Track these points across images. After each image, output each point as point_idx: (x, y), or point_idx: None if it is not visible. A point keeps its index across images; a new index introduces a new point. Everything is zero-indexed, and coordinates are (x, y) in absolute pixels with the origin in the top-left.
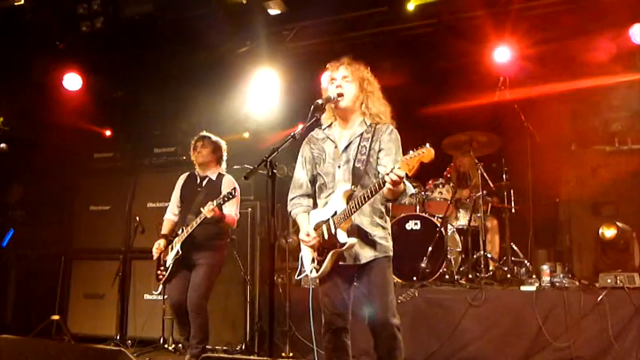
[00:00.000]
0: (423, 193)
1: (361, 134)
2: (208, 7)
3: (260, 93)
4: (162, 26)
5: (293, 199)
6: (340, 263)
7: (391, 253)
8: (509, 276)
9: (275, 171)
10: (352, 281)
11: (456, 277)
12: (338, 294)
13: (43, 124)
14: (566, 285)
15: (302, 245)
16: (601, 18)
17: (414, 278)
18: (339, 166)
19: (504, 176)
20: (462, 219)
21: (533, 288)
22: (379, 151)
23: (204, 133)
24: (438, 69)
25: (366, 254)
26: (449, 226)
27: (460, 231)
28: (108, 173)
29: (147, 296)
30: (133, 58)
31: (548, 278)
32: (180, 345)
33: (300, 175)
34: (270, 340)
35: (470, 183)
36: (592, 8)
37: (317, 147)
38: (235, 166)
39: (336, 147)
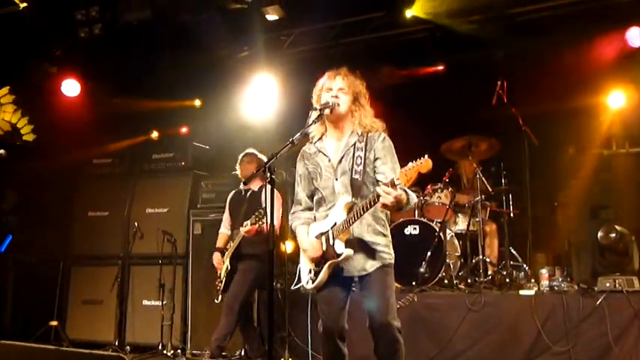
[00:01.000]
0: (421, 197)
1: (354, 144)
2: (206, 13)
3: (258, 98)
4: (160, 32)
5: (294, 213)
6: (344, 274)
7: (393, 261)
8: (508, 280)
9: (274, 177)
10: (350, 289)
11: (454, 281)
12: (336, 301)
13: (41, 129)
14: (565, 289)
15: (301, 256)
16: (597, 21)
17: (413, 283)
18: (336, 179)
19: (503, 180)
20: (461, 223)
21: (532, 292)
22: (375, 159)
23: (250, 150)
24: (436, 73)
25: (368, 265)
26: (447, 231)
27: (459, 236)
28: (106, 179)
29: (145, 302)
30: (132, 64)
31: (546, 282)
32: (178, 351)
33: (298, 191)
34: (270, 345)
35: (468, 187)
36: (588, 11)
37: (311, 162)
38: (234, 172)
39: (329, 160)
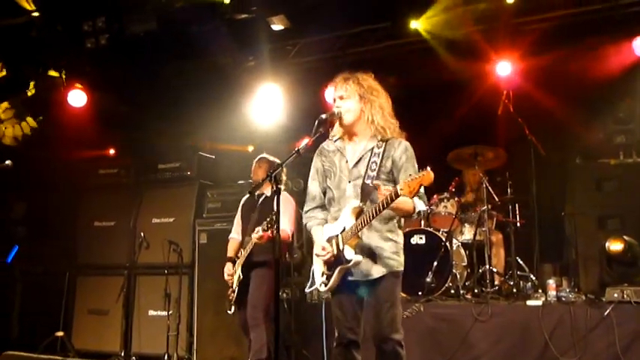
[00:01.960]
0: (427, 207)
1: (372, 149)
2: (212, 23)
3: (264, 107)
4: (166, 42)
5: (308, 211)
6: (349, 279)
7: (402, 268)
8: (515, 290)
9: (280, 186)
10: (362, 294)
11: (461, 291)
12: (350, 307)
13: (48, 140)
14: (572, 299)
15: (314, 258)
16: (604, 31)
17: (420, 293)
18: (349, 182)
19: (509, 190)
20: (467, 233)
21: (539, 303)
22: (392, 169)
23: (263, 155)
24: (443, 83)
25: (375, 271)
26: (454, 241)
27: (465, 245)
28: (112, 189)
29: (151, 312)
30: (138, 74)
31: (554, 293)
32: None
33: (313, 187)
34: (276, 356)
35: (476, 197)
36: (594, 21)
37: (328, 160)
38: (240, 181)
39: (347, 162)
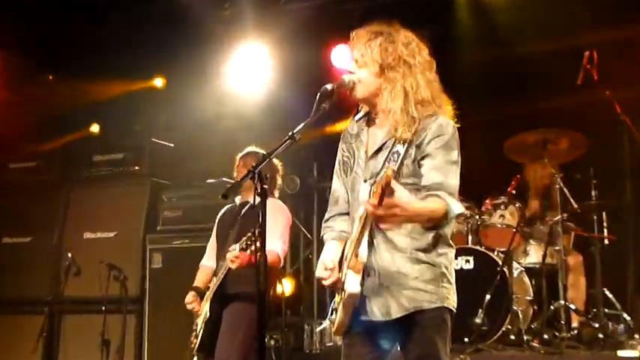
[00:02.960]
0: (477, 216)
1: (396, 134)
2: None
3: (244, 74)
4: None
5: (327, 220)
6: (362, 318)
7: (448, 304)
8: (600, 336)
9: (266, 186)
10: (389, 346)
11: (525, 337)
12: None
13: None
14: None
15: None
16: None
17: (466, 340)
18: (364, 180)
19: (593, 193)
20: (534, 254)
21: (635, 353)
22: (421, 157)
23: (251, 148)
24: None
25: (395, 308)
26: (514, 265)
27: (531, 271)
28: (28, 190)
29: None
30: (68, 30)
31: None
32: None
33: (336, 186)
34: None
35: (545, 203)
36: None
37: (348, 148)
38: (210, 179)
39: (365, 152)
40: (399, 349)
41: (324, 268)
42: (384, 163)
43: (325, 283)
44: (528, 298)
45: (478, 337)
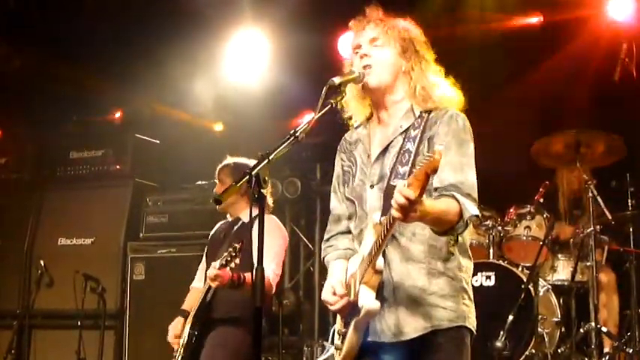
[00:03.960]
0: (499, 227)
1: (406, 130)
2: None
3: (240, 64)
4: None
5: (328, 239)
6: (369, 339)
7: (469, 324)
8: None
9: (264, 191)
10: None
11: None
12: None
13: None
14: None
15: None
16: None
17: None
18: (371, 186)
19: (630, 202)
20: (562, 271)
21: None
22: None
23: (230, 160)
24: (524, 30)
25: (410, 326)
26: (541, 282)
27: (558, 289)
28: None
29: None
30: (43, 9)
31: None
32: None
33: (334, 203)
34: None
35: (577, 213)
36: None
37: (348, 157)
38: (200, 181)
39: (368, 156)
40: None
41: (333, 292)
42: (394, 165)
43: (332, 308)
44: (555, 319)
45: None
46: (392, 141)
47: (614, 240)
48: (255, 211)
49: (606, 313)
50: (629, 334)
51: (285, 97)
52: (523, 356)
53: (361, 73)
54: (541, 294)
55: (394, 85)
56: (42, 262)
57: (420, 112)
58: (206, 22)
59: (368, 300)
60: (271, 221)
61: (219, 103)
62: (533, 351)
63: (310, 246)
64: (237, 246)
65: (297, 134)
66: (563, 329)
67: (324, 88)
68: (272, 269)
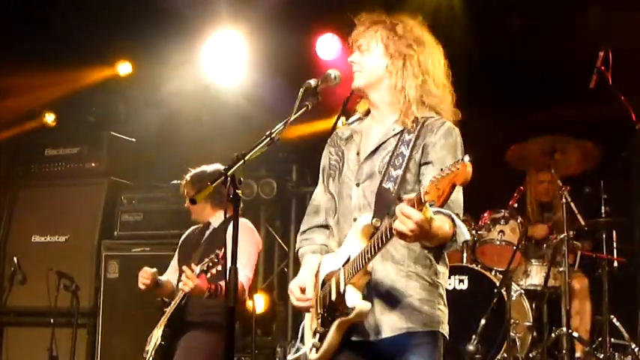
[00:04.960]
0: (473, 232)
1: (400, 133)
2: None
3: (217, 65)
4: None
5: (305, 231)
6: (353, 339)
7: (443, 329)
8: None
9: (239, 191)
10: None
11: None
12: None
13: None
14: None
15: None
16: None
17: None
18: (357, 184)
19: (603, 209)
20: (535, 275)
21: None
22: (425, 163)
23: (197, 169)
24: (507, 35)
25: (387, 325)
26: (513, 287)
27: (531, 294)
28: None
29: None
30: (17, 8)
31: None
32: None
33: (319, 193)
34: None
35: (552, 217)
36: None
37: (337, 151)
38: (175, 180)
39: (358, 153)
40: None
41: (300, 289)
42: (386, 167)
43: (295, 303)
44: (527, 323)
45: None
46: (384, 142)
47: (587, 246)
48: (229, 213)
49: (579, 319)
50: (600, 339)
51: (261, 97)
52: None
53: (337, 76)
54: (514, 298)
55: (379, 86)
56: (15, 259)
57: (415, 117)
58: (183, 23)
59: (358, 301)
60: (244, 225)
61: (196, 102)
62: (505, 355)
63: (285, 247)
64: (220, 253)
65: (273, 135)
66: (535, 334)
67: (301, 90)
68: (245, 274)
